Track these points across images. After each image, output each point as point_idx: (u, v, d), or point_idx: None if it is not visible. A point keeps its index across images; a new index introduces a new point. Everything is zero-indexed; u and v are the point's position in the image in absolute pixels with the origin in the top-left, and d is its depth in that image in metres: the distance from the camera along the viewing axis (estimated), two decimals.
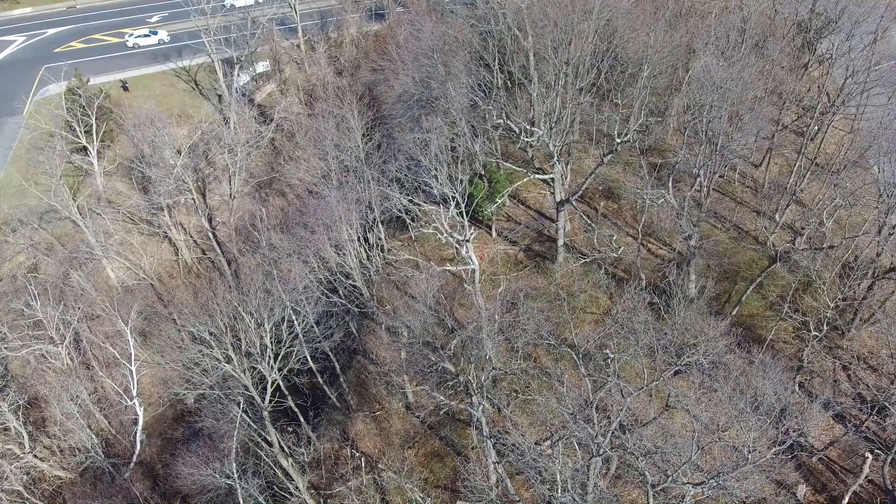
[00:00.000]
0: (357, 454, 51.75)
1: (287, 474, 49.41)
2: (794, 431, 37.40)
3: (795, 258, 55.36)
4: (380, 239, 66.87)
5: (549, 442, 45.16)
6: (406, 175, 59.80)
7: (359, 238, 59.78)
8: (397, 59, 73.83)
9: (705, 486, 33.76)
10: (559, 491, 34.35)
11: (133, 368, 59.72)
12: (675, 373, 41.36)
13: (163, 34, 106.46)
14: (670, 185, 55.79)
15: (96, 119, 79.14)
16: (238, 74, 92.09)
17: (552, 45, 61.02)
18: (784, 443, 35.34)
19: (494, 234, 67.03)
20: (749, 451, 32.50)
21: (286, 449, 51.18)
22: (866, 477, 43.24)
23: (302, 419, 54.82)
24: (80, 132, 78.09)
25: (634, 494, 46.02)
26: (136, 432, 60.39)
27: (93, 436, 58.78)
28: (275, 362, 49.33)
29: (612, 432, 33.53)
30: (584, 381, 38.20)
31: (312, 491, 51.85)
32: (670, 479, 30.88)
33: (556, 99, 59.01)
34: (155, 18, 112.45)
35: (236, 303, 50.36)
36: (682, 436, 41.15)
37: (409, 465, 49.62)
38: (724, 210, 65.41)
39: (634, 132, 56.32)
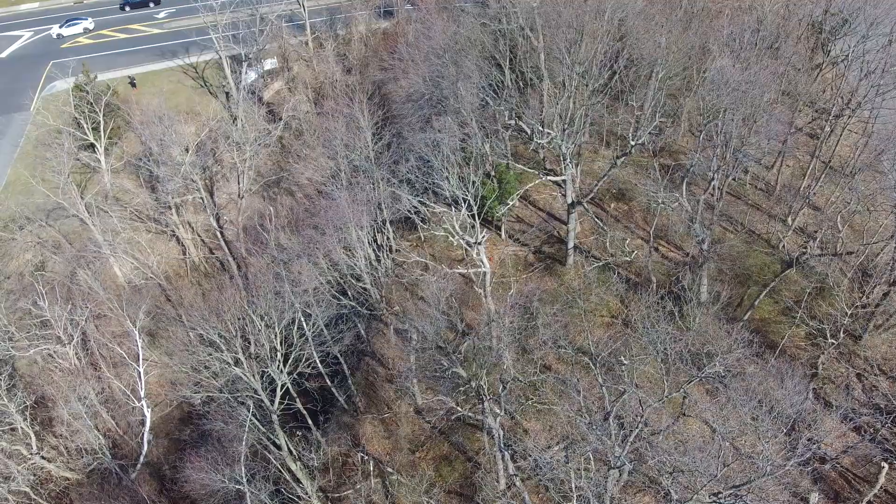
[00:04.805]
0: (366, 458, 51.42)
1: (296, 478, 49.11)
2: (812, 443, 36.91)
3: (811, 263, 54.87)
4: (388, 240, 66.47)
5: (560, 446, 44.91)
6: (417, 177, 59.39)
7: (368, 240, 59.39)
8: (407, 57, 73.36)
9: (722, 496, 33.40)
10: (574, 501, 33.97)
11: (141, 369, 59.38)
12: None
13: (87, 23, 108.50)
14: (684, 188, 55.30)
15: (104, 116, 78.78)
16: (246, 72, 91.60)
17: (565, 45, 60.50)
18: (803, 455, 34.79)
19: (504, 235, 66.57)
20: (770, 464, 32.02)
21: (295, 452, 50.88)
22: (882, 487, 42.77)
23: (311, 422, 54.52)
24: (88, 129, 77.75)
25: (646, 500, 45.60)
26: (143, 433, 60.11)
27: (100, 437, 58.51)
28: (284, 365, 49.04)
29: (630, 442, 33.10)
30: (602, 390, 37.79)
31: (321, 494, 51.57)
32: (695, 497, 30.42)
33: (568, 100, 58.50)
34: (162, 14, 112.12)
35: (245, 305, 50.09)
36: (698, 444, 40.66)
37: (420, 472, 49.26)
38: (735, 213, 64.82)
39: (648, 134, 55.85)
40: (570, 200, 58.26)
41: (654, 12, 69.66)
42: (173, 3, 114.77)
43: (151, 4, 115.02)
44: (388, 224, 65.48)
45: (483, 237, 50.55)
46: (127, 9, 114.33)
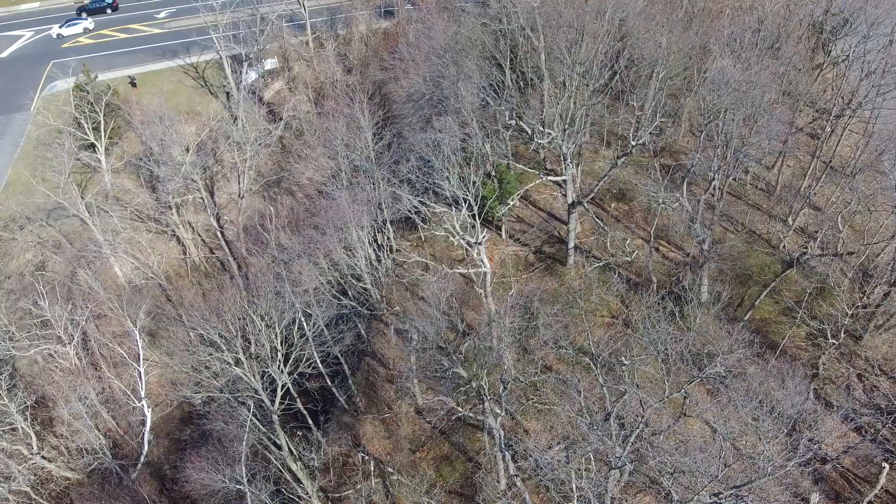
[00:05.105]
0: (366, 458, 51.45)
1: (296, 478, 49.10)
2: (814, 444, 36.89)
3: (812, 264, 54.81)
4: (389, 240, 66.46)
5: (560, 446, 44.88)
6: (417, 177, 59.37)
7: (369, 240, 59.39)
8: (408, 57, 73.33)
9: (723, 497, 33.39)
10: (575, 502, 33.95)
11: (141, 369, 59.37)
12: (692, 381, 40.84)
13: (86, 23, 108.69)
14: (684, 188, 55.25)
15: (104, 116, 78.72)
16: (246, 71, 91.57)
17: (566, 45, 60.50)
18: (804, 455, 34.79)
19: (504, 235, 66.55)
20: (771, 465, 32.01)
21: (295, 452, 50.86)
22: (882, 487, 42.74)
23: (311, 422, 54.52)
24: (88, 129, 77.72)
25: (647, 501, 45.59)
26: (143, 433, 60.09)
27: (100, 436, 58.49)
28: (285, 365, 49.01)
29: (631, 442, 33.11)
30: (603, 391, 37.78)
31: (321, 494, 51.57)
32: (696, 498, 30.41)
33: (569, 100, 58.50)
34: (163, 14, 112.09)
35: (246, 305, 50.08)
36: (699, 445, 40.66)
37: (421, 472, 49.27)
38: (736, 213, 64.82)
39: (648, 134, 55.83)
40: (570, 200, 58.26)
41: (654, 12, 69.66)
42: (174, 2, 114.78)
43: (109, 11, 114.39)
44: (388, 224, 65.46)
45: (483, 237, 50.56)
46: (84, 14, 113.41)
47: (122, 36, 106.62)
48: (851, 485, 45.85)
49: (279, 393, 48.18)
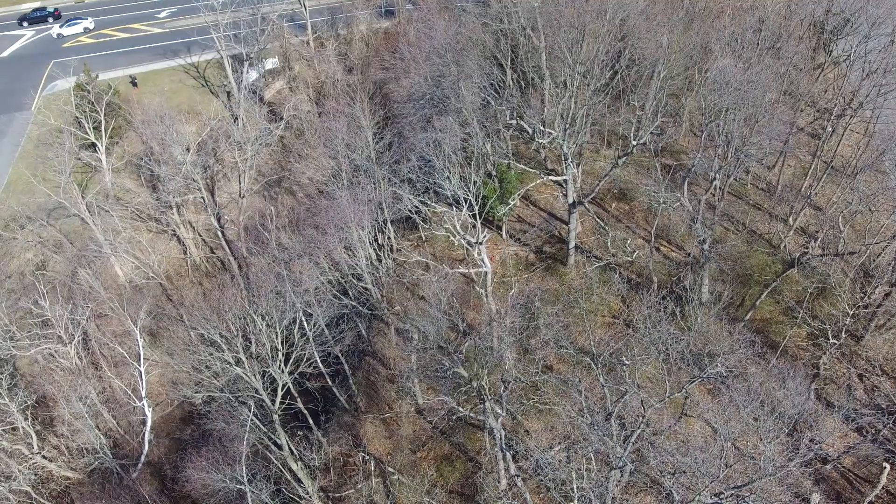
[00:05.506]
0: (367, 457, 51.43)
1: (297, 478, 49.08)
2: (815, 444, 36.87)
3: (813, 264, 54.76)
4: (390, 240, 66.43)
5: (560, 446, 44.89)
6: (418, 176, 59.37)
7: (369, 240, 59.37)
8: (408, 57, 73.32)
9: (724, 497, 33.36)
10: (575, 501, 33.93)
11: (142, 369, 59.35)
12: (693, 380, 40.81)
13: (87, 23, 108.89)
14: (685, 188, 55.23)
15: (105, 115, 78.65)
16: (247, 71, 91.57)
17: (566, 44, 60.49)
18: (805, 455, 34.77)
19: (505, 235, 66.53)
20: (772, 465, 31.97)
21: (296, 452, 50.85)
22: (883, 487, 42.72)
23: (312, 422, 54.49)
24: (89, 128, 77.69)
25: (648, 501, 45.58)
26: (144, 433, 60.07)
27: (101, 436, 58.46)
28: (285, 365, 48.98)
29: (632, 442, 33.08)
30: (603, 391, 37.77)
31: (322, 494, 51.55)
32: (697, 497, 30.38)
33: (570, 100, 58.49)
34: (164, 14, 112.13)
35: (247, 305, 50.05)
36: (700, 445, 40.62)
37: (421, 472, 49.24)
38: (737, 213, 64.81)
39: (649, 134, 55.81)
40: (571, 200, 58.24)
41: (655, 12, 69.63)
42: (174, 2, 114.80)
43: (50, 20, 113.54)
44: (389, 224, 65.42)
45: (484, 237, 50.53)
46: (25, 24, 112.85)
47: (123, 35, 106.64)
48: (852, 485, 45.83)
49: (280, 393, 48.14)
